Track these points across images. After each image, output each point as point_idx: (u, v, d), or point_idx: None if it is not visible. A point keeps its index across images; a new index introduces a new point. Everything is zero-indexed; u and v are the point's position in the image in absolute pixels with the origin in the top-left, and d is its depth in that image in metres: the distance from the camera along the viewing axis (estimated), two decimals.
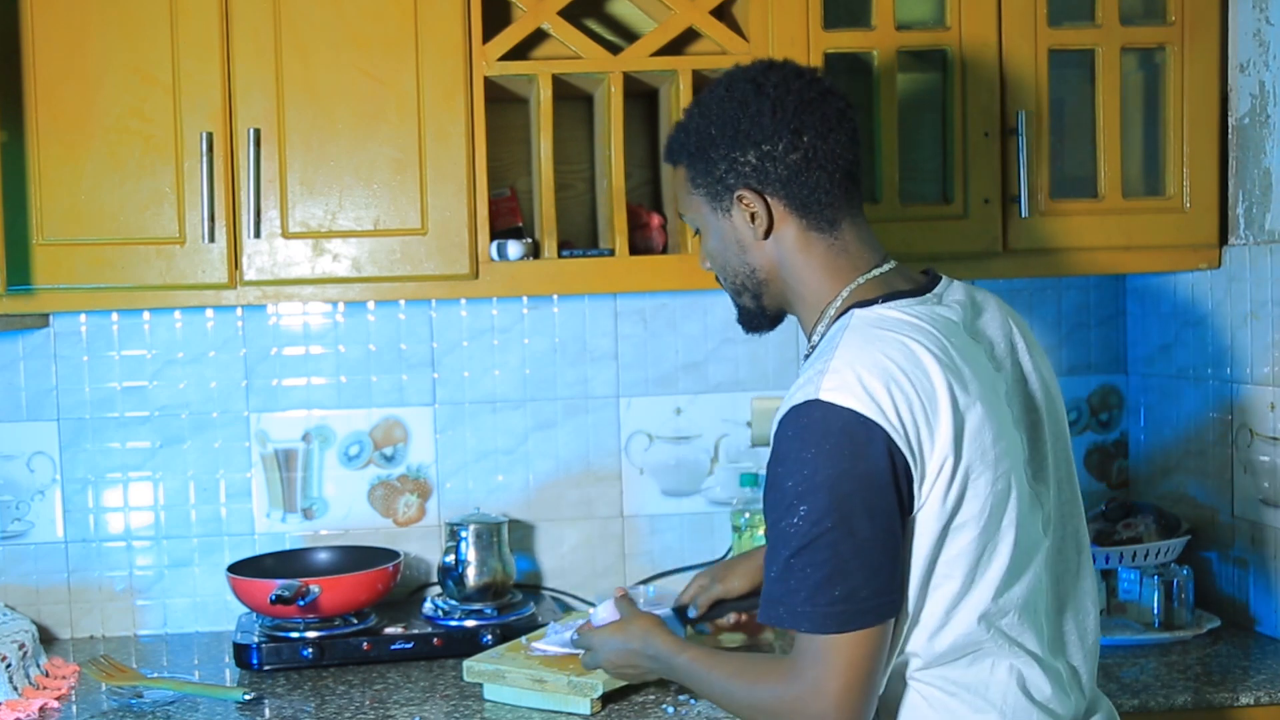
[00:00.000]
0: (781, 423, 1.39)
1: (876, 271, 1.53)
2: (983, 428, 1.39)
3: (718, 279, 1.63)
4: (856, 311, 1.46)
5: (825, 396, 1.35)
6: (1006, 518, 1.41)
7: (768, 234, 1.53)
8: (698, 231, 1.62)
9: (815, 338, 1.53)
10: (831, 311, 1.51)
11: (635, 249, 2.24)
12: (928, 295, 1.51)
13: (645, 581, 2.51)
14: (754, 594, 1.88)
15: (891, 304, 1.47)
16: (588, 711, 1.88)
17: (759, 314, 1.61)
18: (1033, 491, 1.47)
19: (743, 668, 1.50)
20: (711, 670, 1.55)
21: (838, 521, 1.33)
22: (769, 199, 1.51)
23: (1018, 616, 1.44)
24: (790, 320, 1.64)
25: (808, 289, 1.54)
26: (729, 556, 2.49)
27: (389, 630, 2.19)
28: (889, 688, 1.45)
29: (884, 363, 1.37)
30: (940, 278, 1.56)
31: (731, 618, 1.90)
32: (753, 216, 1.52)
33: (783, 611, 1.38)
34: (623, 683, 1.92)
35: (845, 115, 1.53)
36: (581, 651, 1.82)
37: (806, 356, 1.53)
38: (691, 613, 1.93)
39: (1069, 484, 1.56)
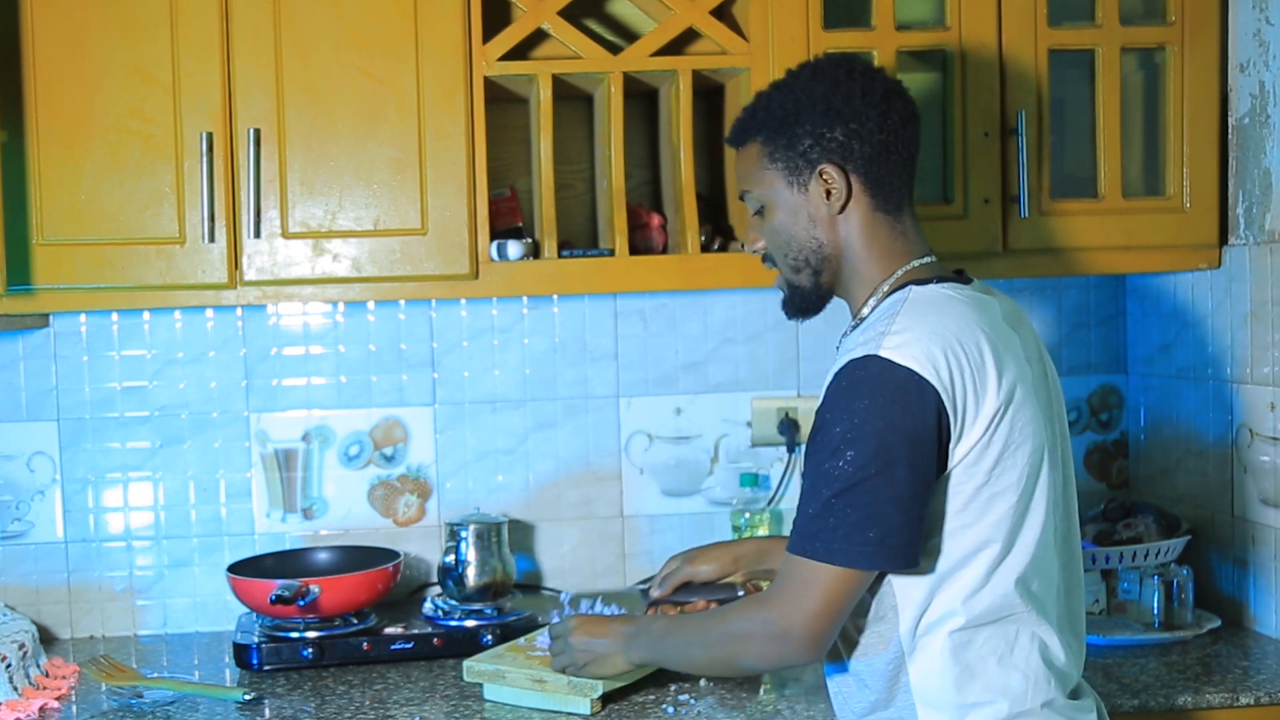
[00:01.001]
0: (837, 374, 1.47)
1: (927, 259, 1.61)
2: (1024, 404, 1.48)
3: (766, 260, 1.68)
4: (914, 288, 1.54)
5: (885, 353, 1.43)
6: (1039, 490, 1.50)
7: (842, 209, 1.58)
8: (758, 211, 1.66)
9: (866, 310, 1.59)
10: (885, 288, 1.58)
11: (635, 249, 2.24)
12: (974, 284, 1.59)
13: (645, 581, 2.51)
14: (721, 580, 1.95)
15: (945, 285, 1.55)
16: (587, 711, 1.88)
17: (812, 293, 1.65)
18: (1050, 475, 1.53)
19: (719, 610, 1.64)
20: (686, 620, 1.69)
21: (881, 469, 1.42)
22: (850, 175, 1.57)
23: (1043, 585, 1.52)
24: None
25: (866, 267, 1.60)
26: None
27: (389, 630, 2.19)
28: (924, 642, 1.50)
29: (942, 331, 1.46)
30: (971, 278, 1.63)
31: (700, 603, 1.91)
32: (828, 192, 1.58)
33: (818, 546, 1.46)
34: (621, 682, 1.92)
35: (915, 111, 1.62)
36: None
37: (851, 329, 1.60)
38: (656, 592, 1.95)
39: (1071, 479, 1.64)
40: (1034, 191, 2.20)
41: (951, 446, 1.45)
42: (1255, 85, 2.20)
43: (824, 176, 1.57)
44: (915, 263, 1.59)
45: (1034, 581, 1.51)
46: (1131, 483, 2.62)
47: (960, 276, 1.61)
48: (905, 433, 1.41)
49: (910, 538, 1.44)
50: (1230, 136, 2.26)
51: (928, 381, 1.42)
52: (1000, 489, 1.47)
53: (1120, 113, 2.24)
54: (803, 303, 1.66)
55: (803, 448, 1.55)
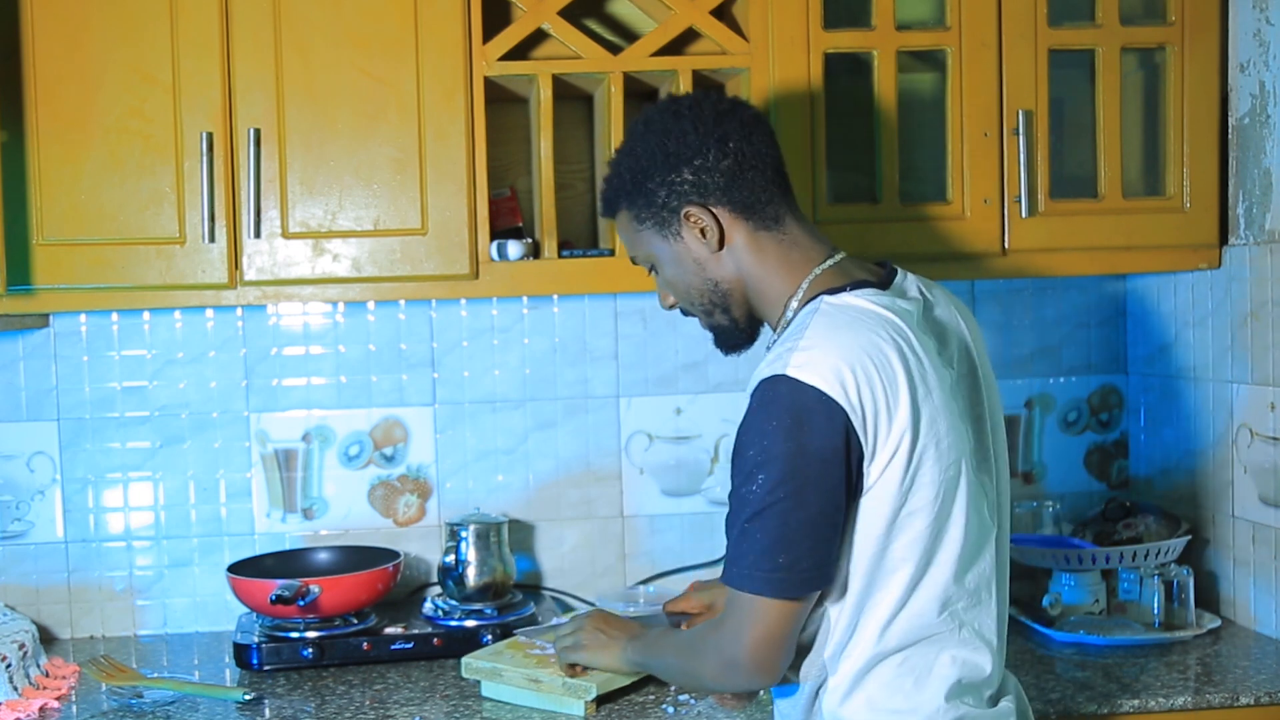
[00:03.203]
0: (752, 394, 1.45)
1: (830, 262, 1.58)
2: (936, 418, 1.45)
3: (684, 312, 1.67)
4: (826, 298, 1.51)
5: (792, 373, 1.41)
6: (957, 505, 1.47)
7: (721, 244, 1.57)
8: (652, 270, 1.66)
9: (780, 328, 1.57)
10: (794, 303, 1.56)
11: None
12: (890, 287, 1.56)
13: (645, 581, 2.51)
14: None
15: (859, 292, 1.52)
16: (581, 714, 1.88)
17: (733, 329, 1.64)
18: (978, 480, 1.52)
19: (696, 629, 1.62)
20: (676, 634, 1.70)
21: (791, 492, 1.40)
22: (714, 209, 1.56)
23: (971, 600, 1.50)
24: None
25: (769, 287, 1.58)
26: None
27: (389, 630, 2.19)
28: (844, 667, 1.49)
29: (851, 347, 1.43)
30: (896, 270, 1.60)
31: None
32: (703, 231, 1.57)
33: (734, 572, 1.45)
34: (614, 685, 1.93)
35: (759, 118, 1.60)
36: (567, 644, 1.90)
37: (773, 341, 1.57)
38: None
39: (1004, 475, 1.62)
40: (1034, 191, 2.20)
41: (866, 466, 1.42)
42: (1255, 85, 2.20)
43: (690, 219, 1.57)
44: (819, 269, 1.56)
45: (959, 600, 1.49)
46: (1131, 483, 2.62)
47: (882, 271, 1.58)
48: (813, 455, 1.39)
49: (819, 561, 1.42)
50: (1230, 136, 2.26)
51: (835, 401, 1.39)
52: (915, 507, 1.44)
53: (1120, 113, 2.24)
54: (731, 339, 1.66)
55: None
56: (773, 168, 1.58)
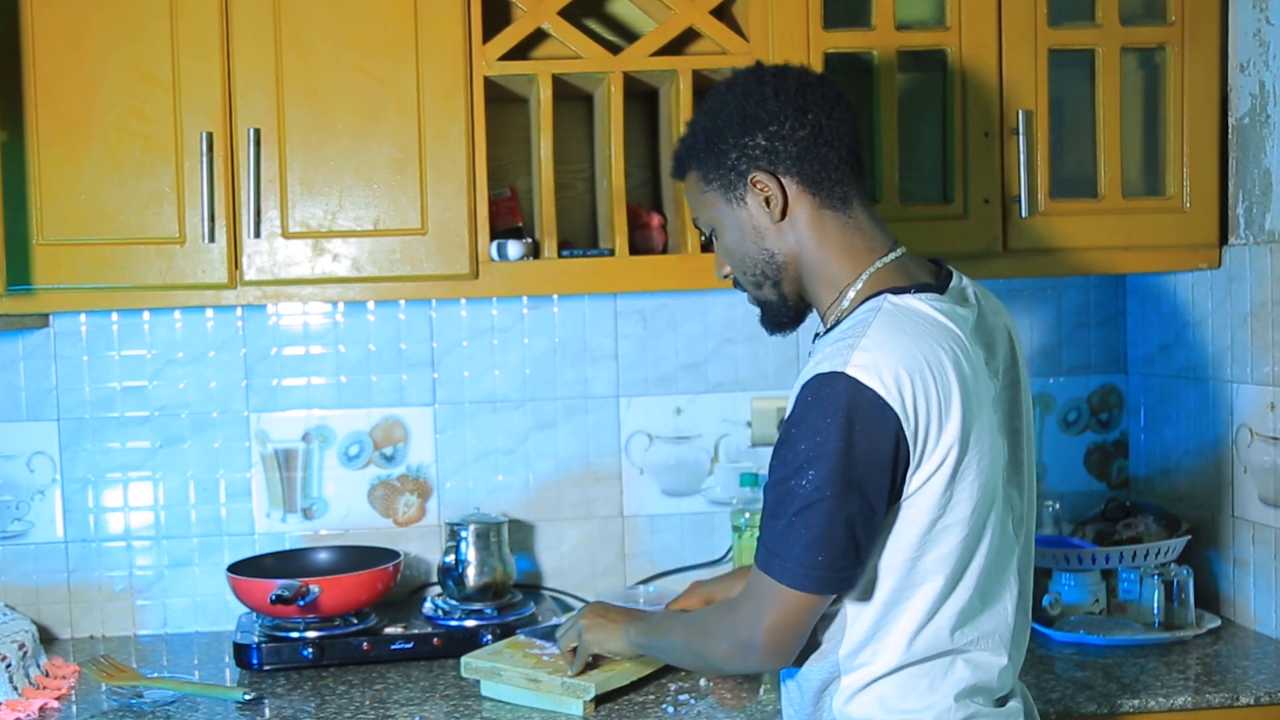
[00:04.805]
0: (805, 387, 1.43)
1: (892, 256, 1.56)
2: (982, 434, 1.44)
3: (736, 283, 1.65)
4: (890, 297, 1.49)
5: (851, 371, 1.39)
6: (989, 520, 1.47)
7: (784, 214, 1.55)
8: (713, 235, 1.64)
9: (833, 317, 1.55)
10: (852, 294, 1.54)
11: (635, 249, 2.24)
12: (948, 291, 1.54)
13: (645, 581, 2.51)
14: None
15: (923, 296, 1.50)
16: (580, 713, 1.88)
17: (781, 306, 1.62)
18: (1006, 494, 1.52)
19: (705, 610, 1.65)
20: (681, 615, 1.73)
21: (838, 491, 1.39)
22: (782, 179, 1.54)
23: (989, 611, 1.51)
24: None
25: (826, 269, 1.56)
26: (729, 557, 2.49)
27: (389, 630, 2.19)
28: (861, 671, 1.50)
29: (912, 354, 1.41)
30: (951, 271, 1.59)
31: None
32: (768, 200, 1.55)
33: (776, 564, 1.45)
34: (613, 684, 1.93)
35: (842, 98, 1.57)
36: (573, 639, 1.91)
37: (821, 334, 1.56)
38: None
39: (1033, 485, 1.61)
40: (1034, 191, 2.20)
41: (910, 474, 1.42)
42: (1255, 85, 2.20)
43: (757, 185, 1.54)
44: (880, 262, 1.54)
45: (980, 613, 1.49)
46: (1131, 483, 2.62)
47: (939, 271, 1.57)
48: (864, 456, 1.39)
49: (853, 562, 1.43)
50: (1230, 136, 2.26)
51: (890, 406, 1.38)
52: (951, 521, 1.44)
53: (1120, 113, 2.24)
54: (776, 316, 1.64)
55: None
56: (848, 148, 1.55)
